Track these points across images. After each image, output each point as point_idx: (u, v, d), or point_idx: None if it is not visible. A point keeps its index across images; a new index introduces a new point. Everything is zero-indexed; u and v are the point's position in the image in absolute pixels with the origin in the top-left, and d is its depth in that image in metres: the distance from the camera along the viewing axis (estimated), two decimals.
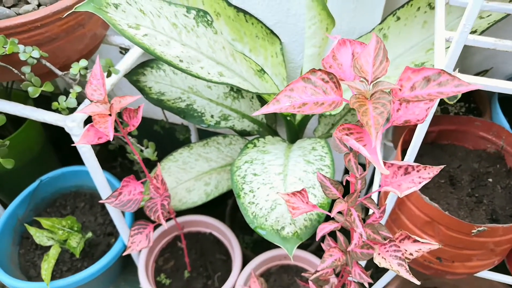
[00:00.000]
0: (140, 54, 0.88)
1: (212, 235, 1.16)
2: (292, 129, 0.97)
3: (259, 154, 0.77)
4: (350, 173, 0.46)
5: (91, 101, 0.56)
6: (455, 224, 0.65)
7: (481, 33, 0.73)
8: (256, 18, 0.92)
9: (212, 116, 0.96)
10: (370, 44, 0.35)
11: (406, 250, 0.54)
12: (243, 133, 0.97)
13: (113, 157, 1.35)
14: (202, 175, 0.92)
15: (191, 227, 1.16)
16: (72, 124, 0.73)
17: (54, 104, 0.70)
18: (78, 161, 0.87)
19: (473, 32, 0.73)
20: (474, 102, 0.94)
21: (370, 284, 1.05)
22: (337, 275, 0.67)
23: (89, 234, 1.06)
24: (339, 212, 0.53)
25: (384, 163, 0.45)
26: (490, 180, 0.80)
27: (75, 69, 0.69)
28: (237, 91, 0.97)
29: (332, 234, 0.59)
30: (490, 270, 0.78)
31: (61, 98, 0.70)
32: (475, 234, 0.64)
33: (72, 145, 0.59)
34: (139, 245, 0.80)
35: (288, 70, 1.02)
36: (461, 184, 0.79)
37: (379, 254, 0.49)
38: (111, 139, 0.52)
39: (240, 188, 0.66)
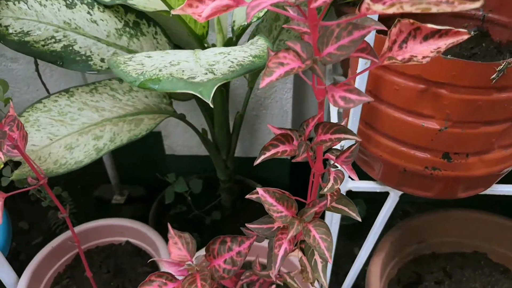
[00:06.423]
0: None
1: (130, 244, 0.83)
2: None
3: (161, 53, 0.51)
4: None
5: None
6: (467, 74, 0.43)
7: None
8: None
9: (102, 60, 0.69)
10: None
11: (414, 56, 0.30)
12: None
13: None
14: (90, 127, 0.63)
15: (100, 238, 0.83)
16: None
17: None
18: None
19: None
20: None
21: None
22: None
23: None
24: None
25: None
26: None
27: None
28: (134, 27, 0.73)
29: None
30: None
31: None
32: (498, 78, 0.42)
33: None
34: None
35: None
36: None
37: None
38: None
39: (121, 62, 0.39)
